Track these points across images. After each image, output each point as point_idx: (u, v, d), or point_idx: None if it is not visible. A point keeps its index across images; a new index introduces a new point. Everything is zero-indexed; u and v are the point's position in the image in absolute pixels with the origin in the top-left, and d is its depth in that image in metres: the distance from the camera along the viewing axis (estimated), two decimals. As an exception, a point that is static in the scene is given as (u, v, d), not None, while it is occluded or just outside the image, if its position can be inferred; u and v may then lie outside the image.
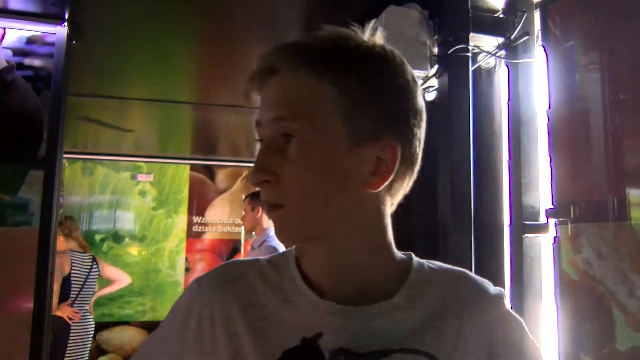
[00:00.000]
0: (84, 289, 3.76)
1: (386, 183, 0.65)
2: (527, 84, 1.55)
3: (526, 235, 1.47)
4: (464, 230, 1.52)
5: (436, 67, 1.62)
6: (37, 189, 1.88)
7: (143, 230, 4.85)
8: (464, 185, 1.53)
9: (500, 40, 1.59)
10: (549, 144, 1.35)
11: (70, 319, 3.59)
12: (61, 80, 1.96)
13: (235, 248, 5.10)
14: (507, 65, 1.59)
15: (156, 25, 2.14)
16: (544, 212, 1.41)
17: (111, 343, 4.50)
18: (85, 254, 3.92)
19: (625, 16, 1.17)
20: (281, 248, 3.01)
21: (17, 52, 1.97)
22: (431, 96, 1.65)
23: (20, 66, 1.96)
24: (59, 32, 1.98)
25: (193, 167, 5.03)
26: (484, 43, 1.60)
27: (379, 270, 0.70)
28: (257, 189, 0.79)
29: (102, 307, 4.48)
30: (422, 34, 1.60)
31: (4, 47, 1.95)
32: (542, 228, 1.44)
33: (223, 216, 5.04)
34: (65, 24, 1.98)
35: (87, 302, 3.80)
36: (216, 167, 5.09)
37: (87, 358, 3.77)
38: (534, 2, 1.54)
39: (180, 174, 5.00)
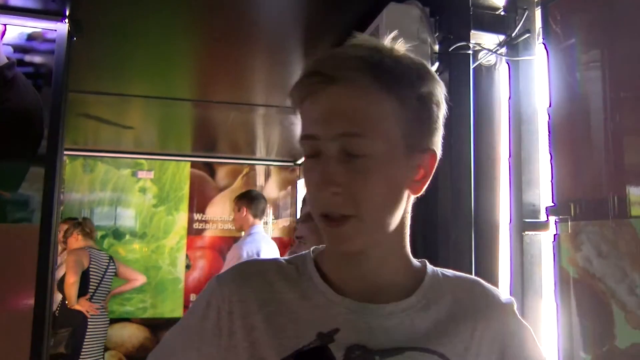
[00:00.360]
0: (101, 285, 3.85)
1: (425, 187, 0.71)
2: (528, 82, 1.54)
3: (526, 232, 1.47)
4: (464, 228, 1.52)
5: (437, 64, 1.62)
6: (38, 186, 1.88)
7: (144, 228, 4.86)
8: (464, 183, 1.53)
9: (501, 37, 1.58)
10: (550, 142, 1.35)
11: (88, 312, 3.68)
12: (62, 77, 1.96)
13: (235, 245, 5.10)
14: (507, 63, 1.59)
15: (157, 23, 2.14)
16: (544, 210, 1.41)
17: (112, 340, 4.51)
18: (103, 252, 4.06)
19: (626, 14, 1.17)
20: (261, 244, 3.14)
21: (17, 48, 1.97)
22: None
23: (21, 63, 1.96)
24: (60, 28, 1.98)
25: (194, 164, 5.02)
26: (484, 40, 1.60)
27: (398, 274, 0.73)
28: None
29: (102, 304, 4.49)
30: (423, 31, 1.60)
31: (4, 44, 1.95)
32: (542, 226, 1.44)
33: (224, 213, 5.04)
34: (66, 20, 1.98)
35: (104, 298, 3.90)
36: (217, 165, 5.09)
37: (102, 352, 3.86)
38: (535, 0, 1.53)
39: (181, 171, 5.00)
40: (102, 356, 3.85)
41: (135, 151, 4.82)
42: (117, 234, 4.80)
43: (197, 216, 5.00)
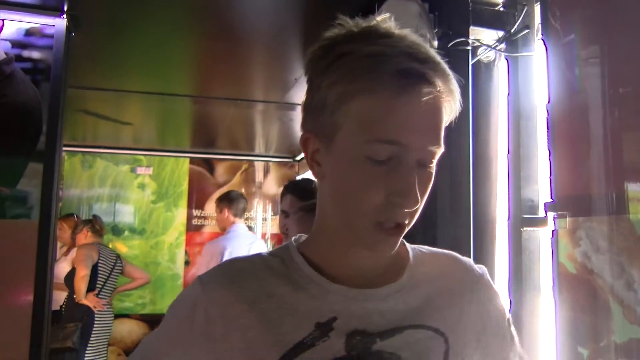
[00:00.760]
0: (108, 282, 3.87)
1: None
2: (527, 78, 1.54)
3: (525, 228, 1.47)
4: (462, 224, 1.52)
5: (436, 60, 1.62)
6: (37, 182, 1.88)
7: (142, 224, 4.86)
8: (463, 179, 1.53)
9: (500, 33, 1.58)
10: (548, 138, 1.35)
11: (95, 307, 3.70)
12: (60, 73, 1.95)
13: (234, 241, 5.10)
14: (506, 59, 1.59)
15: (155, 18, 2.13)
16: (543, 206, 1.42)
17: (111, 335, 4.51)
18: (111, 250, 4.08)
19: (626, 10, 1.17)
20: (232, 241, 3.28)
21: (16, 44, 1.97)
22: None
23: (19, 58, 1.96)
24: (58, 24, 1.97)
25: (192, 161, 5.02)
26: (483, 36, 1.60)
27: (388, 256, 0.73)
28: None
29: (101, 299, 4.49)
30: (422, 27, 1.60)
31: (2, 39, 1.95)
32: (540, 222, 1.44)
33: (222, 210, 5.03)
34: (64, 16, 1.97)
35: (110, 295, 3.91)
36: (216, 161, 5.09)
37: (107, 348, 3.90)
38: (534, -4, 1.53)
39: (180, 167, 4.99)
40: (106, 352, 3.87)
41: (134, 147, 4.82)
42: (116, 230, 4.79)
43: (196, 212, 5.00)
